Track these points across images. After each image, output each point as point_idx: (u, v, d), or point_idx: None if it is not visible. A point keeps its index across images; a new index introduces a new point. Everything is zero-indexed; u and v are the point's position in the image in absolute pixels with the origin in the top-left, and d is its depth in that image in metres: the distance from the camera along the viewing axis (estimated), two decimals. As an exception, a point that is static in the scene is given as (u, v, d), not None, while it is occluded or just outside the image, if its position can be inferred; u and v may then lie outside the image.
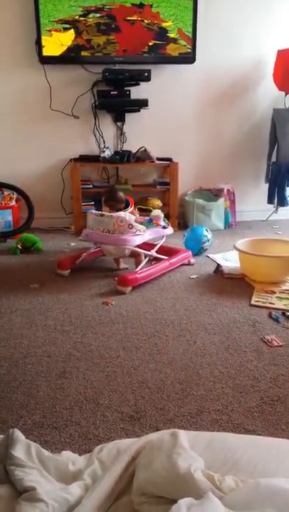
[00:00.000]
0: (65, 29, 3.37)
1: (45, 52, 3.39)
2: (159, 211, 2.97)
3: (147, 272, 2.68)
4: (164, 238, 2.94)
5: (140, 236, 2.70)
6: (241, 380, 1.76)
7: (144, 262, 2.77)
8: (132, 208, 2.86)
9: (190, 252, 3.01)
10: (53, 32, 3.36)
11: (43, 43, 3.36)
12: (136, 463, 1.07)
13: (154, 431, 1.41)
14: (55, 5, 3.30)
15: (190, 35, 3.49)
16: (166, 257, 2.87)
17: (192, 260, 3.00)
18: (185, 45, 3.52)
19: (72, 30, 3.38)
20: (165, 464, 1.01)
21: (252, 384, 1.73)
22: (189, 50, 3.52)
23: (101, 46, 3.44)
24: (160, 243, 2.90)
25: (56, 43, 3.38)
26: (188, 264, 2.98)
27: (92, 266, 2.95)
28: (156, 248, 2.86)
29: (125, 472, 1.04)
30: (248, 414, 1.56)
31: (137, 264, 2.77)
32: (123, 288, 2.55)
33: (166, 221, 2.97)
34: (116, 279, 2.70)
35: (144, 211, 3.04)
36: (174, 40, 3.50)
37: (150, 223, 2.85)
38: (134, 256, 2.80)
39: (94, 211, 2.78)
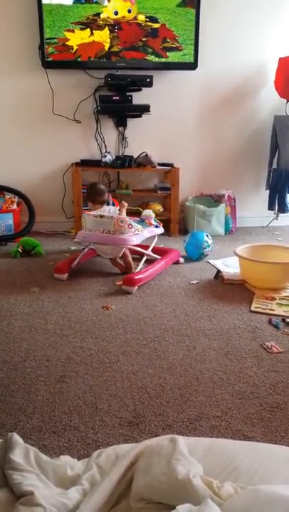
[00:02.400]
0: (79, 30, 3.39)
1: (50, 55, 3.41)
2: (150, 211, 3.05)
3: (149, 271, 2.74)
4: (156, 238, 3.01)
5: (139, 235, 2.78)
6: (241, 386, 1.75)
7: (142, 262, 2.83)
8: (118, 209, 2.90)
9: (179, 252, 3.09)
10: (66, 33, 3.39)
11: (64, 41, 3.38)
12: (134, 468, 1.07)
13: (153, 436, 1.40)
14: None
15: (192, 42, 3.51)
16: (158, 257, 2.95)
17: (181, 259, 3.08)
18: (187, 53, 3.53)
19: (84, 32, 3.39)
20: (164, 469, 1.00)
21: (251, 390, 1.73)
22: (191, 57, 3.54)
23: (104, 50, 3.46)
24: (154, 243, 2.98)
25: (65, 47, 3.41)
26: (178, 262, 3.06)
27: (92, 270, 2.95)
28: (151, 247, 2.94)
29: (124, 477, 1.04)
30: (247, 421, 1.56)
31: (127, 264, 2.83)
32: (129, 288, 2.60)
33: (157, 220, 3.04)
34: (116, 283, 2.71)
35: (134, 212, 3.06)
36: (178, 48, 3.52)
37: (143, 223, 2.91)
38: (122, 257, 2.85)
39: (92, 213, 2.81)
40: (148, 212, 3.00)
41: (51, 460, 1.14)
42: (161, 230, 3.02)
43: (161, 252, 3.03)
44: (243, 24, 3.66)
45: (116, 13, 3.40)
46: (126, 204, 2.89)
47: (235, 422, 1.56)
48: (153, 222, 2.97)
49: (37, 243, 3.23)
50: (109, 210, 2.86)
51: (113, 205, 2.96)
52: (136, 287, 2.62)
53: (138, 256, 2.92)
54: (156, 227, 2.98)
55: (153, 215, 3.00)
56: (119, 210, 2.86)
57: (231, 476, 1.03)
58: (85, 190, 3.50)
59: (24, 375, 1.81)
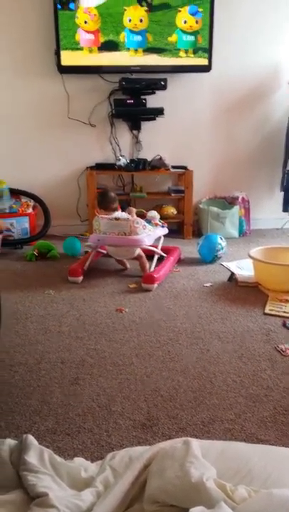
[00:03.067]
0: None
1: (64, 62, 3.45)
2: (155, 212, 3.14)
3: (164, 269, 2.83)
4: (162, 238, 3.09)
5: (151, 236, 2.88)
6: (254, 389, 1.75)
7: (155, 261, 2.89)
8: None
9: (180, 248, 3.20)
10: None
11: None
12: (148, 471, 1.07)
13: (167, 439, 1.41)
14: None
15: (206, 43, 3.51)
16: (165, 255, 3.03)
17: (182, 256, 3.18)
18: (201, 55, 3.54)
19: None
20: (177, 472, 1.01)
21: (265, 393, 1.72)
22: (206, 59, 3.54)
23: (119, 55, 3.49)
24: (161, 242, 3.06)
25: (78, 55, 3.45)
26: (180, 260, 3.15)
27: (106, 273, 2.97)
28: (159, 247, 3.02)
29: (137, 480, 1.05)
30: (261, 424, 1.55)
31: (143, 265, 2.90)
32: (149, 286, 2.68)
33: (162, 221, 3.12)
34: (130, 286, 2.72)
35: (138, 214, 3.11)
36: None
37: (150, 223, 2.98)
38: (137, 258, 2.91)
39: (106, 216, 2.83)
40: (153, 213, 3.09)
41: (65, 462, 1.16)
42: (166, 230, 3.10)
43: (165, 250, 3.07)
44: (257, 25, 3.64)
45: (129, 20, 3.44)
46: (134, 208, 3.02)
47: (249, 425, 1.55)
48: (158, 222, 3.07)
49: (52, 246, 3.26)
50: (122, 215, 2.89)
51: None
52: (155, 284, 2.69)
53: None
54: (162, 227, 3.08)
55: (158, 216, 3.09)
56: (130, 214, 2.91)
57: (245, 479, 1.03)
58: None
59: (39, 377, 1.83)
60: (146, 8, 3.45)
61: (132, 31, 3.49)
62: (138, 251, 2.88)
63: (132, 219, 2.79)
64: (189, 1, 3.44)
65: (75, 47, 3.46)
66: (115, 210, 2.89)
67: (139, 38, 3.51)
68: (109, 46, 3.50)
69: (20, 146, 3.67)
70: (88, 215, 3.63)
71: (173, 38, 3.51)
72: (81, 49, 3.48)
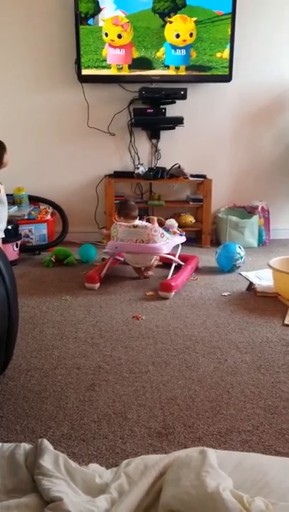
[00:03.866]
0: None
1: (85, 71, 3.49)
2: (173, 220, 3.15)
3: (181, 277, 2.83)
4: (180, 246, 3.08)
5: (169, 244, 2.88)
6: (273, 401, 1.71)
7: (172, 269, 2.89)
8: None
9: (198, 257, 3.20)
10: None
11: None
12: (163, 479, 1.06)
13: (182, 448, 1.38)
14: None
15: (227, 53, 3.52)
16: (182, 263, 3.02)
17: (199, 264, 3.18)
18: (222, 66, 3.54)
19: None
20: (193, 481, 0.99)
21: (284, 405, 1.68)
22: (226, 69, 3.55)
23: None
24: (179, 251, 3.06)
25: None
26: (198, 268, 3.14)
27: (123, 280, 2.96)
28: (177, 255, 3.02)
29: (152, 487, 1.03)
30: (279, 436, 1.52)
31: (151, 266, 2.95)
32: (166, 294, 2.68)
33: (180, 229, 3.13)
34: (147, 294, 2.72)
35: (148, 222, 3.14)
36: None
37: (168, 232, 2.99)
38: (152, 265, 2.97)
39: (124, 223, 2.86)
40: (171, 222, 3.10)
41: (80, 467, 1.15)
42: (184, 238, 3.10)
43: (183, 258, 3.06)
44: (279, 34, 3.64)
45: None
46: (155, 217, 3.03)
47: (266, 436, 1.52)
48: (177, 230, 3.07)
49: (70, 253, 3.27)
50: (141, 223, 2.90)
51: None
52: (173, 293, 2.69)
53: (161, 263, 3.08)
54: (180, 235, 3.08)
55: (176, 224, 3.10)
56: (151, 222, 2.92)
57: (262, 491, 1.01)
58: (117, 201, 3.56)
59: (55, 382, 1.83)
60: (195, 19, 3.42)
61: (174, 46, 3.48)
62: (154, 258, 2.90)
63: (150, 226, 2.80)
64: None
65: (101, 64, 3.49)
66: (135, 218, 2.91)
67: (183, 52, 3.50)
68: (142, 63, 3.51)
69: (40, 153, 3.72)
70: (106, 222, 3.65)
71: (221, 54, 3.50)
72: (108, 67, 3.50)
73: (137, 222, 2.88)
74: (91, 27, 3.43)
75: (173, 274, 2.86)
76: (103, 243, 3.63)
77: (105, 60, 3.51)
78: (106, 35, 3.45)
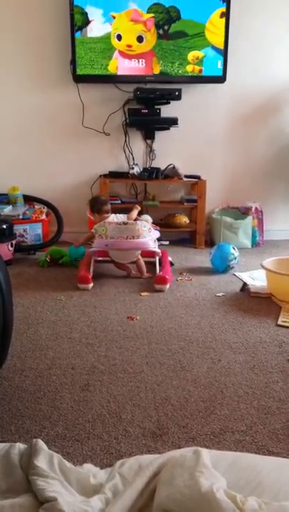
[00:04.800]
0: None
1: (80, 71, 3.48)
2: (148, 216, 3.24)
3: (169, 270, 2.97)
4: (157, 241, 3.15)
5: (153, 239, 3.00)
6: (266, 401, 1.73)
7: (157, 264, 3.00)
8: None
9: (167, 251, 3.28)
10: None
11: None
12: (157, 479, 1.06)
13: (176, 448, 1.39)
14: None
15: (221, 54, 3.53)
16: (153, 259, 3.08)
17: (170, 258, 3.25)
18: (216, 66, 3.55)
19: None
20: (187, 481, 1.00)
21: (277, 406, 1.70)
22: (220, 70, 3.56)
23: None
24: (156, 245, 3.13)
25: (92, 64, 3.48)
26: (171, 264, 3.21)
27: (117, 281, 2.97)
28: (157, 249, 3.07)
29: (147, 487, 1.04)
30: (272, 436, 1.53)
31: (140, 267, 3.01)
32: (162, 286, 2.79)
33: (153, 224, 3.20)
34: (142, 294, 2.72)
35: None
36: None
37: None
38: (135, 261, 3.02)
39: (113, 221, 2.96)
40: (146, 217, 3.19)
41: (74, 467, 1.15)
42: (158, 233, 3.14)
43: (152, 253, 3.07)
44: (274, 35, 3.65)
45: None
46: (138, 207, 3.15)
47: (260, 437, 1.53)
48: (152, 225, 3.13)
49: (65, 252, 3.27)
50: (116, 216, 3.04)
51: None
52: (168, 285, 2.80)
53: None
54: (156, 229, 3.14)
55: (150, 220, 3.18)
56: (131, 211, 3.07)
57: (255, 491, 1.02)
58: (112, 202, 3.55)
59: (49, 382, 1.83)
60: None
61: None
62: (138, 253, 3.01)
63: (140, 222, 2.93)
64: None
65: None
66: (108, 212, 3.03)
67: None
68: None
69: (34, 153, 3.72)
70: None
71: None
72: (103, 67, 3.46)
73: (114, 219, 2.98)
74: (81, 38, 3.37)
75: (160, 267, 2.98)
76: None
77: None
78: (118, 37, 3.24)
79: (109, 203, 3.08)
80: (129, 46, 3.29)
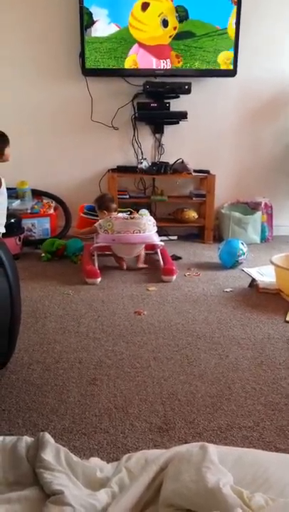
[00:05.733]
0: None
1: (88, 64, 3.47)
2: (146, 210, 3.31)
3: (172, 262, 3.03)
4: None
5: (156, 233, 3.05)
6: (274, 397, 1.72)
7: (160, 256, 3.05)
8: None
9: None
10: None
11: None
12: (164, 474, 1.06)
13: (183, 443, 1.39)
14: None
15: (232, 48, 3.49)
16: (152, 251, 3.19)
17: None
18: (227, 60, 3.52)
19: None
20: (193, 476, 1.00)
21: (285, 402, 1.69)
22: (231, 64, 3.52)
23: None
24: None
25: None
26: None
27: (125, 276, 2.97)
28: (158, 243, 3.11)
29: (153, 482, 1.04)
30: (280, 433, 1.52)
31: (139, 258, 3.08)
32: (170, 277, 2.85)
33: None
34: (149, 289, 2.72)
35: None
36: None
37: None
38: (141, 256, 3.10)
39: (120, 215, 3.01)
40: (145, 212, 3.23)
41: (81, 461, 1.15)
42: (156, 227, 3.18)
43: (152, 246, 3.14)
44: (284, 31, 3.61)
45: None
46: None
47: (267, 433, 1.52)
48: None
49: (54, 240, 3.27)
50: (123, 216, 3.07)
51: None
52: (174, 276, 2.86)
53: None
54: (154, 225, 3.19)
55: (148, 214, 3.23)
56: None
57: (262, 487, 1.01)
58: (120, 197, 3.56)
59: (56, 376, 1.83)
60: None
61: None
62: (143, 247, 3.07)
63: (145, 217, 3.03)
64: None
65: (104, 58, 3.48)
66: (116, 210, 3.11)
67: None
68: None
69: (43, 147, 3.72)
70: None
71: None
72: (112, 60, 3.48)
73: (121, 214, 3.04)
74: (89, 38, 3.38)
75: (162, 259, 3.02)
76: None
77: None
78: (164, 23, 3.37)
79: (114, 200, 3.15)
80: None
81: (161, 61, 3.47)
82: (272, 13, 3.58)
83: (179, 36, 3.44)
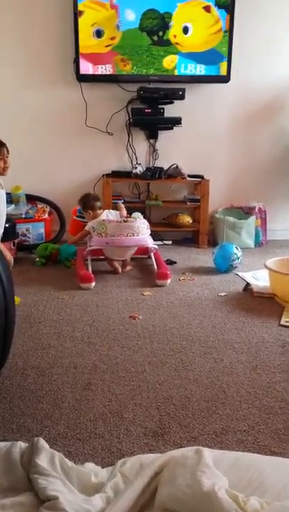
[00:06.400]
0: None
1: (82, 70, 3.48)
2: (138, 213, 3.29)
3: (166, 265, 3.05)
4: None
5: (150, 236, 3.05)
6: (268, 401, 1.72)
7: (154, 261, 3.07)
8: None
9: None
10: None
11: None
12: (159, 478, 1.06)
13: (178, 448, 1.39)
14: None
15: (225, 54, 3.52)
16: (146, 256, 3.21)
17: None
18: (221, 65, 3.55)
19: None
20: (188, 480, 1.00)
21: (280, 406, 1.69)
22: (224, 70, 3.55)
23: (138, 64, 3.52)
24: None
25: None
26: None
27: (120, 280, 2.97)
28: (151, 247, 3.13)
29: (148, 487, 1.03)
30: (274, 436, 1.52)
31: (125, 263, 3.11)
32: (164, 281, 2.86)
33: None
34: (144, 294, 2.72)
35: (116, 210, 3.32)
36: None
37: None
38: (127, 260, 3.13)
39: (112, 219, 3.01)
40: (137, 215, 3.22)
41: (76, 466, 1.15)
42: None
43: (145, 250, 3.16)
44: (278, 35, 3.64)
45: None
46: (122, 205, 3.28)
47: (262, 436, 1.52)
48: None
49: (47, 244, 3.28)
50: (110, 212, 3.10)
51: None
52: (169, 280, 2.86)
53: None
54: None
55: (141, 217, 3.21)
56: (119, 210, 3.15)
57: (257, 491, 1.02)
58: (114, 201, 3.56)
59: (51, 381, 1.83)
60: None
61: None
62: (135, 250, 3.09)
63: (139, 220, 2.98)
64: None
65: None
66: (101, 208, 3.11)
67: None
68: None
69: (37, 152, 3.72)
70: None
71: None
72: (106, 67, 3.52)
73: (109, 216, 3.03)
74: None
75: (156, 263, 3.04)
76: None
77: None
78: (98, 33, 3.41)
79: (100, 199, 3.14)
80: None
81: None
82: (267, 17, 3.61)
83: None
